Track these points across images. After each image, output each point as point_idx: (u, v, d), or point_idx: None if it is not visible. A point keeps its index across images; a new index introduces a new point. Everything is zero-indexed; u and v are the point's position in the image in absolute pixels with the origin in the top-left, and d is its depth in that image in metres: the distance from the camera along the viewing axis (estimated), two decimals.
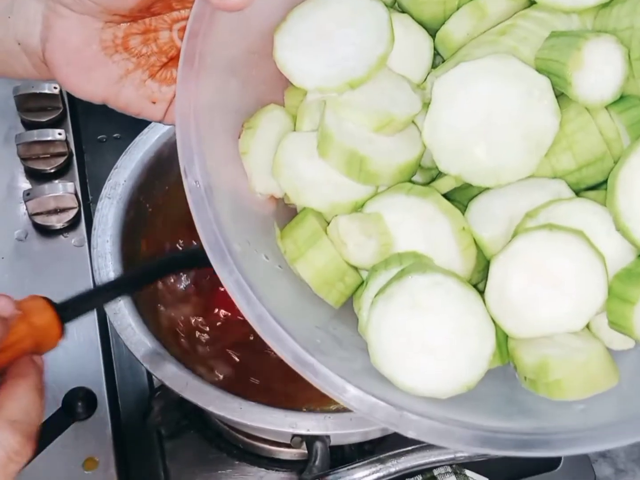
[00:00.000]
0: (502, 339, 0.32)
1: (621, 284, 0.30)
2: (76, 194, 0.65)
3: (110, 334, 0.60)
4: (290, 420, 0.44)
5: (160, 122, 0.37)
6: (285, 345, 0.29)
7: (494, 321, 0.31)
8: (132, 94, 0.35)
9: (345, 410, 0.44)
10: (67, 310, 0.35)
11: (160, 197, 0.58)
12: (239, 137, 0.34)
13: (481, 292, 0.31)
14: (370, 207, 0.33)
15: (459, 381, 0.30)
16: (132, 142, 0.55)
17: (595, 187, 0.33)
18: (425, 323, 0.30)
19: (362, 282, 0.33)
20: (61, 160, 0.67)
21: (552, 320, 0.31)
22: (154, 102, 0.36)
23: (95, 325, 0.59)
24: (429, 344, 0.30)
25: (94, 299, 0.41)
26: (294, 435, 0.45)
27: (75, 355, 0.57)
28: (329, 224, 0.33)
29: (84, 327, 0.58)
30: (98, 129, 0.73)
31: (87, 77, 0.34)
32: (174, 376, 0.45)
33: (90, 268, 0.54)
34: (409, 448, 0.46)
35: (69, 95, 0.73)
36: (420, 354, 0.30)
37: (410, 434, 0.28)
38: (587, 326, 0.32)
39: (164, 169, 0.57)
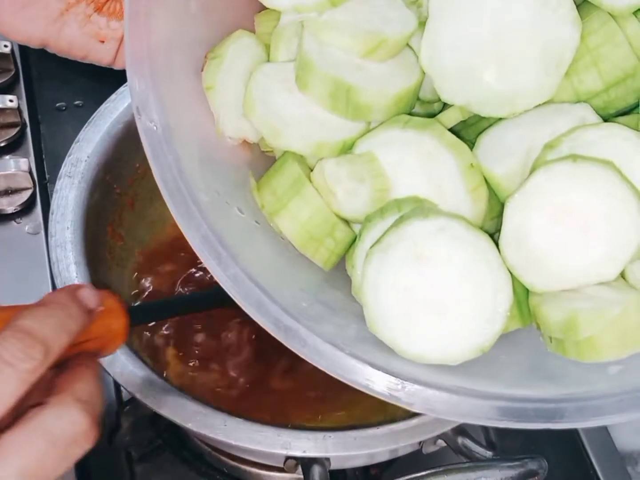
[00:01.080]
0: (523, 296, 0.31)
1: None
2: (30, 172, 0.65)
3: None
4: (284, 440, 0.43)
5: (110, 66, 0.36)
6: (264, 310, 0.28)
7: (511, 274, 0.30)
8: (76, 32, 0.34)
9: (348, 428, 0.44)
10: (136, 318, 0.38)
11: (130, 176, 0.57)
12: (202, 70, 0.33)
13: (496, 243, 0.30)
14: (361, 147, 0.32)
15: (472, 343, 0.29)
16: (97, 111, 0.55)
17: (626, 112, 0.32)
18: (430, 277, 0.29)
19: (355, 238, 0.32)
20: (13, 132, 0.67)
21: (581, 269, 0.30)
22: (102, 41, 0.35)
23: None
24: (434, 302, 0.29)
25: (164, 310, 0.45)
26: (287, 458, 0.45)
27: None
28: (312, 170, 0.32)
29: None
30: (56, 95, 0.72)
31: (22, 15, 0.34)
32: (146, 388, 0.44)
33: (48, 260, 0.53)
34: (423, 473, 0.45)
35: (22, 54, 0.72)
36: (425, 313, 0.29)
37: (416, 408, 0.28)
38: (622, 276, 0.31)
39: (134, 142, 0.56)
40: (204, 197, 0.29)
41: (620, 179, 0.29)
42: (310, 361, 0.28)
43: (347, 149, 0.32)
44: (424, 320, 0.29)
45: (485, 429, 0.60)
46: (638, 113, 0.30)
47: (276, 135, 0.32)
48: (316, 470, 0.45)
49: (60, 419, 0.30)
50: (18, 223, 0.64)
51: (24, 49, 0.74)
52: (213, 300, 0.51)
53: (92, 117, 0.54)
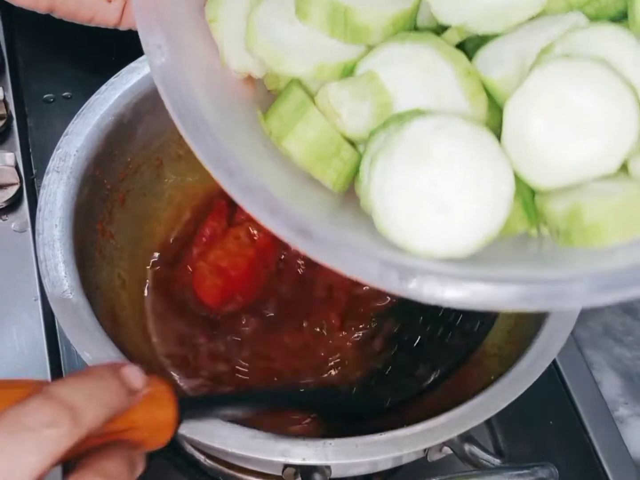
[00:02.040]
0: (529, 197, 0.33)
1: None
2: (17, 167, 0.64)
3: (59, 338, 0.59)
4: (282, 447, 0.43)
5: (116, 27, 0.37)
6: (280, 215, 0.29)
7: (516, 176, 0.32)
8: None
9: (349, 435, 0.44)
10: (188, 411, 0.35)
11: (121, 171, 0.57)
12: (205, 4, 0.35)
13: None
14: (362, 68, 0.34)
15: (478, 234, 0.31)
16: (86, 103, 0.54)
17: (616, 20, 0.34)
18: (433, 174, 0.31)
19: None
20: None
21: (581, 164, 0.31)
22: (109, 1, 0.36)
23: (41, 327, 0.58)
24: (439, 198, 0.31)
25: (216, 406, 0.42)
26: (286, 466, 0.44)
27: (16, 362, 0.56)
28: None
29: (27, 327, 0.58)
30: (44, 86, 0.72)
31: None
32: None
33: (35, 259, 0.53)
34: None
35: (8, 44, 0.72)
36: (431, 210, 0.31)
37: (429, 298, 0.29)
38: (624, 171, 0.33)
39: (125, 136, 0.56)
40: (213, 119, 0.31)
41: (614, 74, 0.31)
42: (326, 263, 0.29)
43: (348, 71, 0.34)
44: (430, 217, 0.31)
45: (493, 435, 0.59)
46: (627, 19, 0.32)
47: (279, 61, 0.34)
48: (316, 478, 0.45)
49: None
50: (4, 220, 0.64)
51: (9, 37, 0.74)
52: (275, 401, 0.49)
53: (81, 110, 0.54)
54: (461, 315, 0.52)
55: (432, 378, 0.51)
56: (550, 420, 0.61)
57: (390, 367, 0.53)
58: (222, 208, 0.59)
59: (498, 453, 0.57)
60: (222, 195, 0.58)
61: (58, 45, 0.76)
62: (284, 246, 0.58)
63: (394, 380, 0.53)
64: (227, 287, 0.56)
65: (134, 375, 0.31)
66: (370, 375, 0.54)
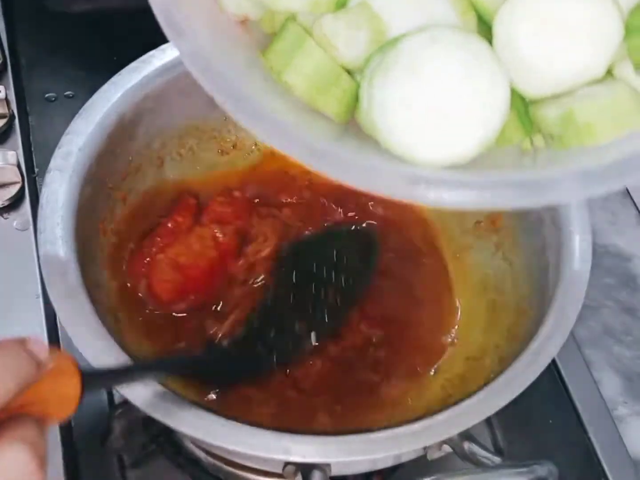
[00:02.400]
0: (522, 109, 0.34)
1: None
2: (19, 166, 0.64)
3: (60, 336, 0.59)
4: (283, 445, 0.43)
5: None
6: (290, 135, 0.30)
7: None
8: None
9: (349, 432, 0.44)
10: (92, 382, 0.36)
11: (123, 170, 0.57)
12: None
13: None
14: (354, 0, 0.35)
15: (477, 139, 0.32)
16: (88, 102, 0.54)
17: None
18: (432, 84, 0.32)
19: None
20: (0, 123, 0.67)
21: (570, 70, 0.33)
22: None
23: (43, 324, 0.58)
24: (440, 105, 0.32)
25: (122, 376, 0.43)
26: (286, 463, 0.45)
27: None
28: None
29: (29, 325, 0.58)
30: (46, 85, 0.72)
31: None
32: (139, 390, 0.44)
33: (37, 257, 0.53)
34: (427, 479, 0.45)
35: (10, 43, 0.72)
36: (433, 118, 0.32)
37: (431, 200, 0.30)
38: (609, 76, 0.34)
39: (126, 135, 0.56)
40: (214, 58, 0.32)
41: None
42: (337, 178, 0.30)
43: (342, 4, 0.35)
44: (432, 126, 0.32)
45: (492, 434, 0.60)
46: None
47: None
48: (316, 476, 0.45)
49: (3, 460, 0.29)
50: (6, 218, 0.64)
51: (12, 35, 0.74)
52: (179, 367, 0.50)
53: (83, 109, 0.54)
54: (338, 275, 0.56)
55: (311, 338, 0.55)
56: (550, 419, 0.61)
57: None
58: (189, 205, 0.59)
59: (497, 451, 0.58)
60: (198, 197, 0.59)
61: (60, 45, 0.76)
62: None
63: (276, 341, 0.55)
64: (183, 284, 0.56)
65: (40, 348, 0.32)
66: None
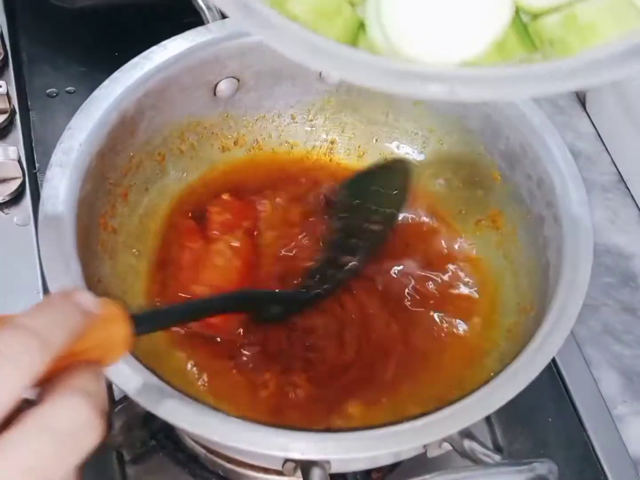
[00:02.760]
0: (522, 27, 0.35)
1: None
2: (20, 161, 0.65)
3: None
4: (282, 441, 0.43)
5: None
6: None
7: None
8: None
9: (349, 429, 0.44)
10: (141, 325, 0.37)
11: (124, 166, 0.57)
12: None
13: None
14: None
15: (487, 32, 0.33)
16: (89, 98, 0.54)
17: None
18: None
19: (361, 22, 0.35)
20: (1, 119, 0.67)
21: None
22: None
23: None
24: (449, 6, 0.32)
25: (169, 316, 0.45)
26: (286, 460, 0.44)
27: None
28: None
29: None
30: (47, 81, 0.72)
31: None
32: (139, 386, 0.44)
33: (37, 252, 0.53)
34: (427, 476, 0.45)
35: (12, 38, 0.72)
36: (443, 19, 0.32)
37: (444, 95, 0.30)
38: None
39: (128, 131, 0.56)
40: None
41: None
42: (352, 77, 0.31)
43: None
44: (443, 27, 0.32)
45: (492, 432, 0.60)
46: None
47: None
48: (316, 473, 0.45)
49: (60, 409, 0.29)
50: (6, 214, 0.64)
51: (13, 31, 0.74)
52: (227, 304, 0.51)
53: (84, 104, 0.54)
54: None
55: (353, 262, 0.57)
56: (549, 418, 0.61)
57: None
58: (192, 229, 0.59)
59: (497, 449, 0.58)
60: (192, 214, 0.58)
61: (61, 40, 0.76)
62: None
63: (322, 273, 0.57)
64: None
65: (86, 297, 0.33)
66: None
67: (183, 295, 0.55)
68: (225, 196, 0.60)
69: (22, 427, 0.28)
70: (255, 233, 0.59)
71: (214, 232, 0.58)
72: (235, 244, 0.57)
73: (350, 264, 0.57)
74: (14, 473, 0.27)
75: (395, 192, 0.60)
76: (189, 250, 0.57)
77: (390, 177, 0.61)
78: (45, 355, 0.29)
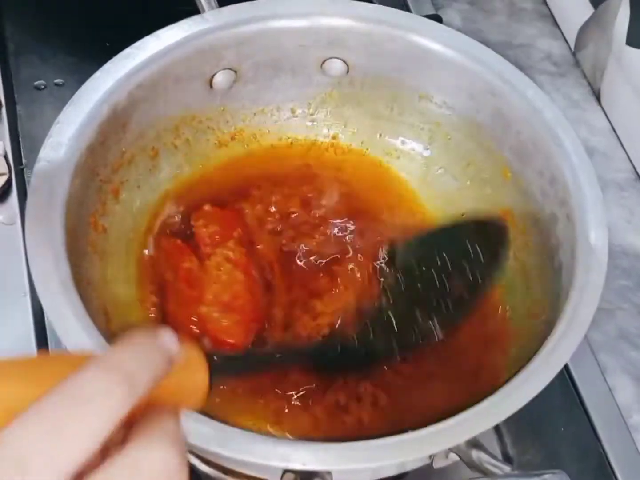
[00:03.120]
0: None
1: None
2: (6, 157, 0.64)
3: (48, 334, 0.59)
4: (281, 451, 0.43)
5: None
6: None
7: None
8: None
9: (352, 438, 0.44)
10: (220, 372, 0.36)
11: (115, 161, 0.57)
12: None
13: None
14: None
15: None
16: (79, 90, 0.54)
17: None
18: None
19: None
20: None
21: None
22: None
23: (30, 323, 0.58)
24: None
25: (248, 364, 0.46)
26: (285, 471, 0.44)
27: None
28: None
29: (15, 323, 0.58)
30: (34, 73, 0.72)
31: None
32: None
33: (24, 253, 0.53)
34: None
35: None
36: None
37: None
38: None
39: (119, 125, 0.56)
40: None
41: None
42: None
43: None
44: None
45: (501, 441, 0.60)
46: None
47: None
48: None
49: (150, 454, 0.28)
50: None
51: None
52: (288, 359, 0.51)
53: (74, 97, 0.54)
54: (466, 265, 0.55)
55: (432, 326, 0.54)
56: (562, 427, 0.61)
57: (388, 315, 0.55)
58: (182, 248, 0.58)
59: (507, 460, 0.58)
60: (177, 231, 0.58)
61: (50, 30, 0.76)
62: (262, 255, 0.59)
63: (393, 329, 0.55)
64: (244, 318, 0.55)
65: (171, 340, 0.32)
66: (369, 325, 0.55)
67: (193, 319, 0.55)
68: (206, 207, 0.59)
69: (111, 470, 0.27)
70: (249, 240, 0.59)
71: (205, 247, 0.57)
72: (231, 255, 0.57)
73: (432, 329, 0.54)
74: None
75: (486, 260, 0.55)
76: (184, 271, 0.56)
77: (481, 239, 0.56)
78: (130, 399, 0.28)
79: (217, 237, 0.58)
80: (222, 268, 0.56)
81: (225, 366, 0.40)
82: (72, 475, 0.26)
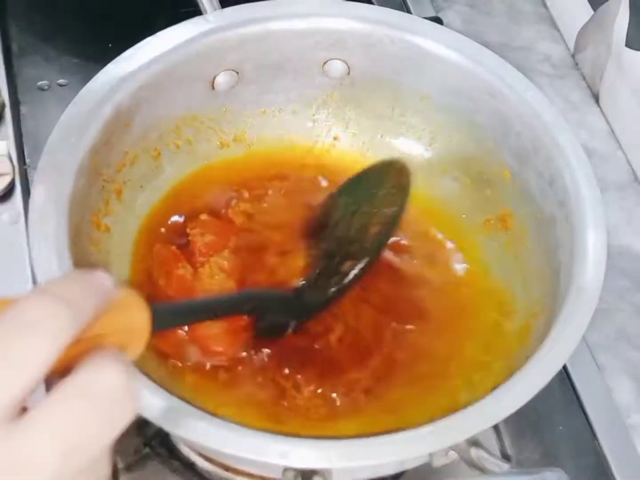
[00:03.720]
0: None
1: None
2: (10, 157, 0.65)
3: None
4: (282, 449, 0.43)
5: None
6: None
7: None
8: None
9: (353, 436, 0.44)
10: (163, 316, 0.36)
11: (118, 161, 0.57)
12: None
13: None
14: None
15: None
16: (82, 90, 0.54)
17: None
18: None
19: None
20: None
21: None
22: None
23: None
24: None
25: (189, 313, 0.45)
26: (285, 468, 0.44)
27: None
28: None
29: None
30: (38, 74, 0.72)
31: None
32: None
33: (28, 251, 0.53)
34: None
35: (1, 29, 0.72)
36: None
37: None
38: None
39: (122, 125, 0.56)
40: None
41: None
42: None
43: None
44: None
45: (500, 440, 0.60)
46: None
47: None
48: None
49: (99, 374, 0.28)
50: None
51: (3, 22, 0.74)
52: (240, 302, 0.51)
53: (76, 97, 0.54)
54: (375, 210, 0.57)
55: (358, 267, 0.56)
56: (560, 426, 0.61)
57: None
58: (176, 255, 0.57)
59: (505, 458, 0.58)
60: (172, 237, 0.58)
61: (53, 31, 0.76)
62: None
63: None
64: (234, 327, 0.54)
65: (107, 278, 0.32)
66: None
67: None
68: (203, 216, 0.59)
69: (58, 395, 0.27)
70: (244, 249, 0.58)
71: (200, 255, 0.57)
72: (225, 264, 0.56)
73: (354, 269, 0.56)
74: (53, 447, 0.26)
75: (394, 192, 0.59)
76: (177, 277, 0.56)
77: (386, 177, 0.60)
78: (74, 324, 0.28)
79: (212, 246, 0.58)
80: (215, 277, 0.56)
81: (165, 313, 0.40)
82: (20, 402, 0.26)
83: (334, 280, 0.56)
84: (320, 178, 0.64)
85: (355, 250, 0.57)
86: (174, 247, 0.58)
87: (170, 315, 0.42)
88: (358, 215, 0.58)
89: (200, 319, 0.48)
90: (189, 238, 0.58)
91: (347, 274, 0.56)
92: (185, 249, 0.58)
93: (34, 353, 0.27)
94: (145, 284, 0.57)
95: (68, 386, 0.28)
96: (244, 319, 0.54)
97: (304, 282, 0.56)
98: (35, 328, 0.27)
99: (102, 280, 0.32)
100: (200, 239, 0.58)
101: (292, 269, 0.58)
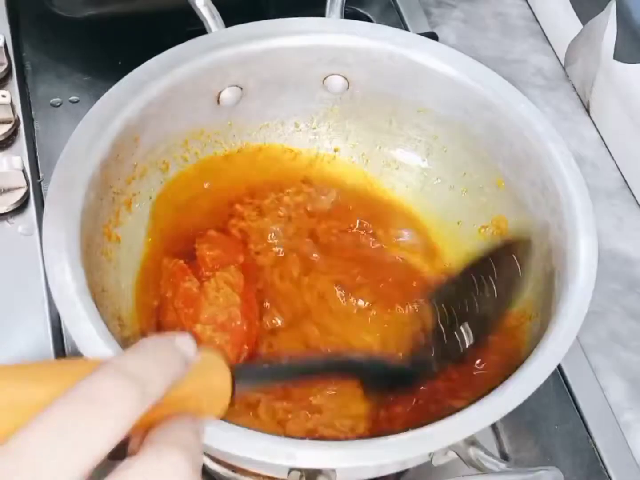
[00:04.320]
0: None
1: None
2: (24, 171, 0.65)
3: (65, 342, 0.59)
4: (288, 450, 0.43)
5: None
6: None
7: None
8: None
9: (356, 437, 0.44)
10: (244, 376, 0.35)
11: (127, 174, 0.57)
12: None
13: None
14: None
15: None
16: (93, 107, 0.54)
17: None
18: None
19: None
20: (5, 128, 0.67)
21: None
22: None
23: (48, 330, 0.58)
24: None
25: (272, 375, 0.43)
26: (291, 469, 0.44)
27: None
28: None
29: (34, 330, 0.58)
30: (51, 91, 0.72)
31: None
32: None
33: (42, 261, 0.53)
34: None
35: (15, 48, 0.73)
36: None
37: None
38: None
39: (131, 140, 0.56)
40: None
41: None
42: None
43: None
44: None
45: (498, 439, 0.60)
46: None
47: None
48: None
49: (158, 464, 0.27)
50: (11, 224, 0.64)
51: (17, 40, 0.74)
52: (325, 369, 0.50)
53: (87, 114, 0.54)
54: (492, 283, 0.54)
55: (469, 341, 0.53)
56: (556, 425, 0.60)
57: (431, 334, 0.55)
58: (183, 268, 0.57)
59: (503, 457, 0.58)
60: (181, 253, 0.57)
61: (65, 50, 0.76)
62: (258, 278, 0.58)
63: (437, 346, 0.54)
64: (236, 339, 0.54)
65: (187, 343, 0.30)
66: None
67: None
68: (211, 232, 0.59)
69: (122, 475, 0.26)
70: (250, 266, 0.58)
71: (207, 269, 0.57)
72: (231, 278, 0.56)
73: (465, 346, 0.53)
74: None
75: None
76: (183, 289, 0.56)
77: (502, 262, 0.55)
78: (142, 403, 0.27)
79: (219, 260, 0.57)
80: (220, 290, 0.55)
81: (247, 374, 0.39)
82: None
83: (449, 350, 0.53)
84: (321, 187, 0.64)
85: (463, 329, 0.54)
86: (181, 261, 0.57)
87: (252, 376, 0.41)
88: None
89: (284, 380, 0.45)
90: (197, 253, 0.58)
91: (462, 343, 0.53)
92: (192, 262, 0.58)
93: (98, 434, 0.26)
94: (152, 294, 0.57)
95: (127, 472, 0.26)
96: (248, 334, 0.54)
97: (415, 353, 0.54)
98: (104, 408, 0.26)
99: (182, 345, 0.30)
100: (208, 254, 0.58)
101: (293, 279, 0.58)
